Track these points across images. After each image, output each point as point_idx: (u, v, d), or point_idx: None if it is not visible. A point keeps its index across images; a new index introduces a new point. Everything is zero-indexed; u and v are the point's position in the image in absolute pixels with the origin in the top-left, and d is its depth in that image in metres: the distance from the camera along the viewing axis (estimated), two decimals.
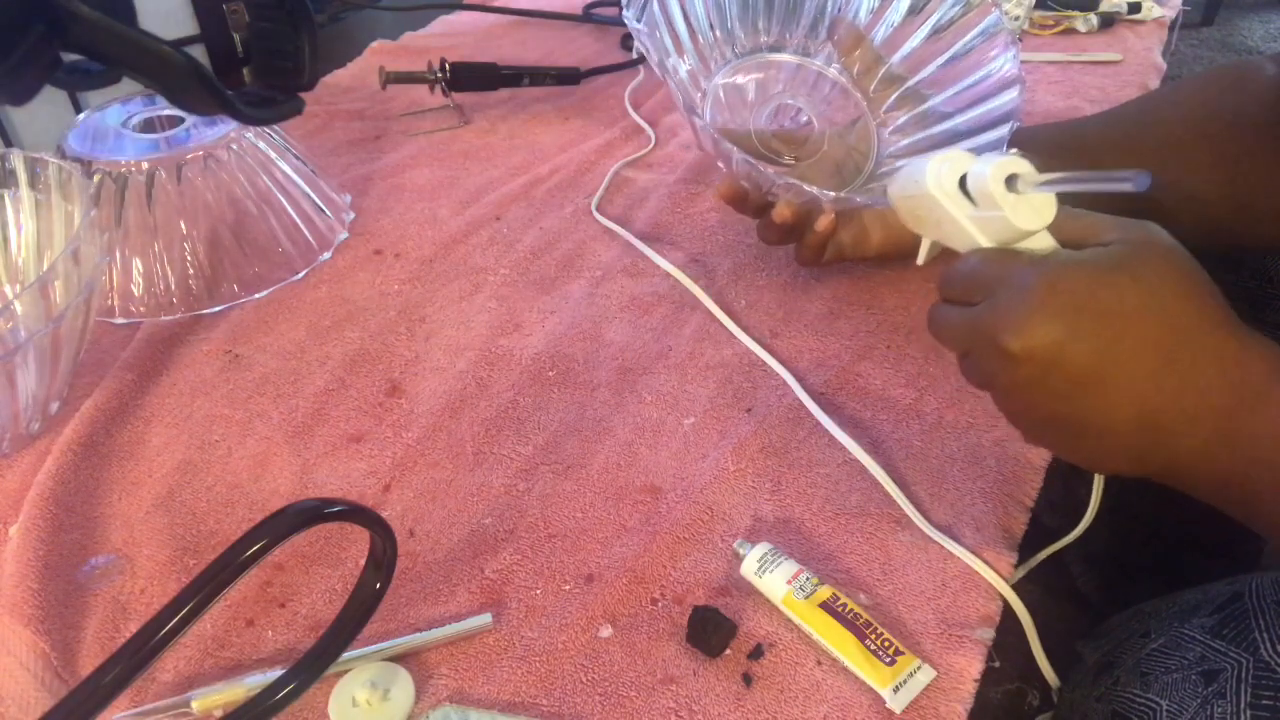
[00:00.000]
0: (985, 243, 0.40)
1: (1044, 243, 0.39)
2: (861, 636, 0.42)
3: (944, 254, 0.45)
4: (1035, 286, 0.36)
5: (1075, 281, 0.36)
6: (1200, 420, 0.37)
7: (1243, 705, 0.40)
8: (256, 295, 0.67)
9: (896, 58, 0.66)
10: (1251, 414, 0.37)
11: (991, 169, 0.39)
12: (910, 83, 0.66)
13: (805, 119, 0.68)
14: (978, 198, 0.40)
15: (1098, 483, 0.47)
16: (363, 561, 0.41)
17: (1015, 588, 0.46)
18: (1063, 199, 0.39)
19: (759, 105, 0.68)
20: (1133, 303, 0.36)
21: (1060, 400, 0.38)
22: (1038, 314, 0.36)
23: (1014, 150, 0.40)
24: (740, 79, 0.68)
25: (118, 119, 0.68)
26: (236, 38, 1.04)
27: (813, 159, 0.67)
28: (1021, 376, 0.38)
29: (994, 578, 0.45)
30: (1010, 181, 0.38)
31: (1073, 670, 0.52)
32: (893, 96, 0.66)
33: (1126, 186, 0.33)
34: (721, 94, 0.67)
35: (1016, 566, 0.47)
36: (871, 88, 0.67)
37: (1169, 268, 0.37)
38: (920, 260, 0.47)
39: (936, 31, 0.65)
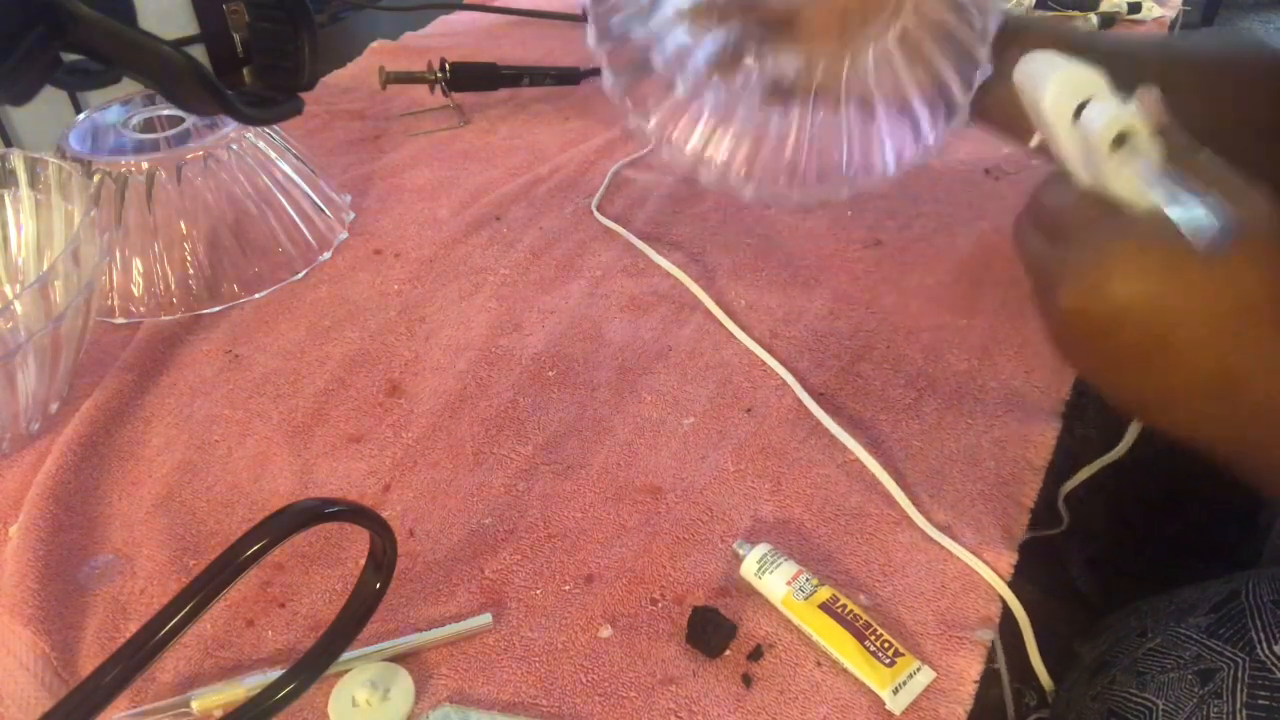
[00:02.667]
0: (1083, 179, 0.38)
1: (1139, 198, 0.36)
2: (861, 638, 0.42)
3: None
4: (1111, 253, 0.35)
5: (1153, 259, 0.34)
6: (1235, 409, 0.36)
7: (1239, 705, 0.40)
8: (256, 295, 0.67)
9: None
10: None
11: (1104, 121, 0.36)
12: None
13: None
14: (1082, 139, 0.37)
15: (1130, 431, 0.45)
16: (363, 561, 0.41)
17: (1014, 588, 0.46)
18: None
19: None
20: (1200, 297, 0.34)
21: (1102, 360, 0.38)
22: (1102, 281, 0.35)
23: (1146, 96, 0.37)
24: None
25: (118, 119, 0.68)
26: (236, 38, 1.04)
27: None
28: (1070, 330, 0.37)
29: (993, 578, 0.45)
30: (1119, 140, 0.36)
31: (1070, 669, 0.52)
32: None
33: (1205, 227, 0.31)
34: None
35: (1015, 567, 0.47)
36: None
37: (1250, 271, 0.35)
38: (1032, 144, 0.44)
39: None
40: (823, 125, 0.54)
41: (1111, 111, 0.36)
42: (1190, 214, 0.33)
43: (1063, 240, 0.37)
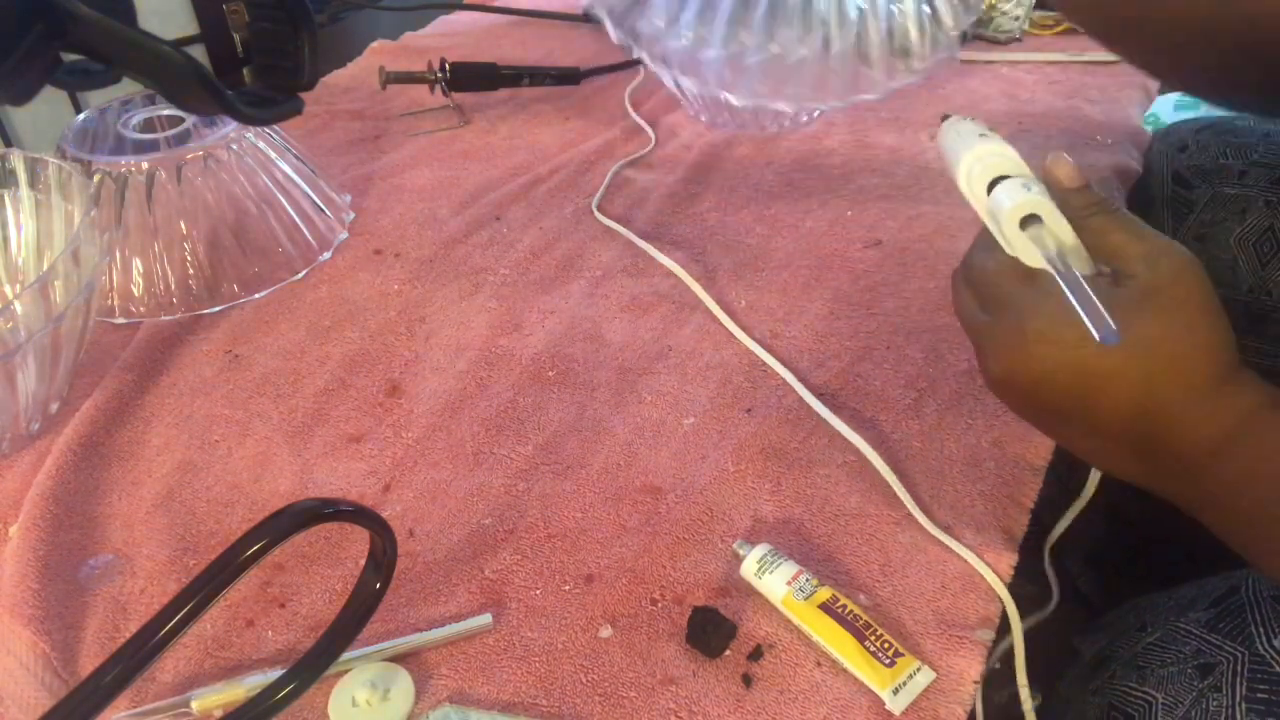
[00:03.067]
0: (1006, 249, 0.40)
1: (1075, 262, 0.39)
2: (861, 638, 0.42)
3: None
4: (1028, 330, 0.38)
5: (1068, 332, 0.37)
6: (1155, 466, 0.39)
7: (1238, 698, 0.40)
8: (256, 295, 0.67)
9: None
10: (1201, 470, 0.38)
11: (1011, 205, 0.38)
12: None
13: None
14: (991, 219, 0.40)
15: (1092, 476, 0.47)
16: (363, 561, 0.41)
17: (1013, 588, 0.46)
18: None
19: None
20: (1115, 366, 0.37)
21: (1032, 415, 0.41)
22: (1022, 356, 0.38)
23: (1059, 164, 0.39)
24: None
25: (118, 119, 0.68)
26: (236, 38, 1.04)
27: None
28: (1004, 395, 0.41)
29: (994, 579, 0.45)
30: (1026, 221, 0.39)
31: (1070, 666, 0.52)
32: None
33: (1095, 336, 0.34)
34: None
35: (1015, 568, 0.47)
36: None
37: (1171, 329, 0.37)
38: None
39: None
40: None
41: (1018, 196, 0.39)
42: (1094, 316, 0.35)
43: (989, 306, 0.41)
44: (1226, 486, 0.37)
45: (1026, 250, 0.39)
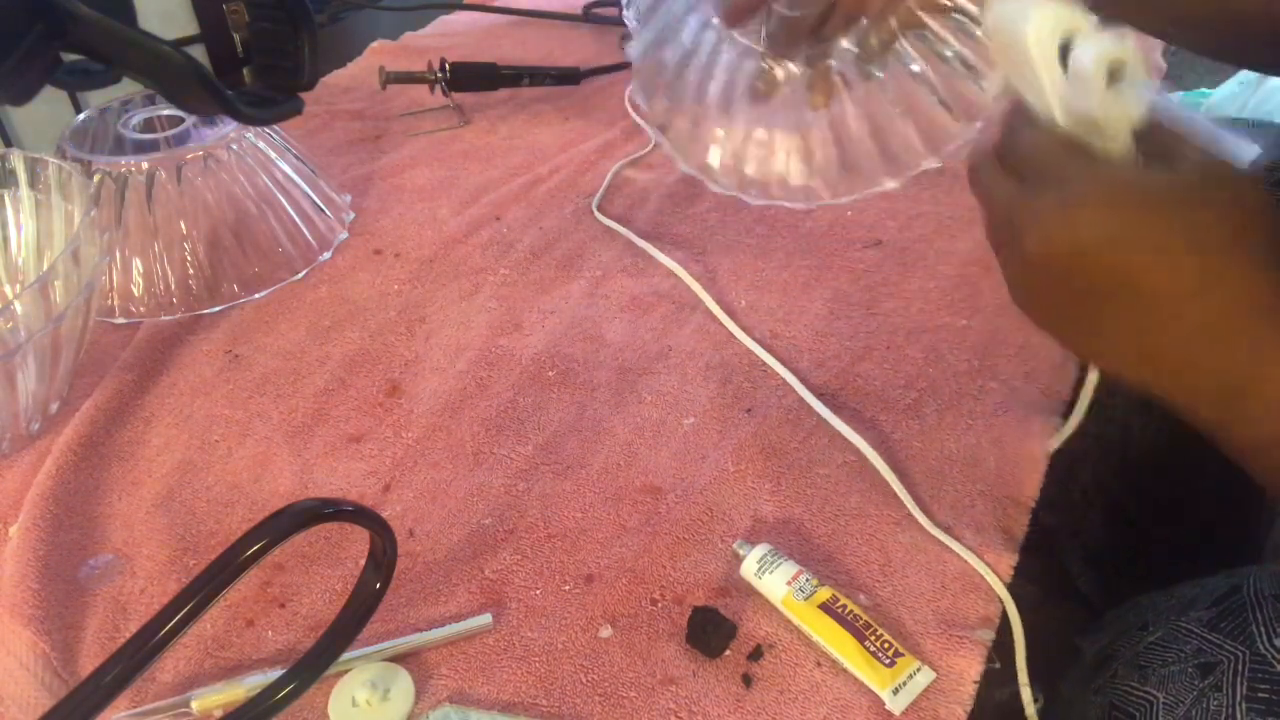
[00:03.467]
0: (1061, 120, 0.37)
1: (1121, 140, 0.36)
2: (861, 638, 0.42)
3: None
4: (1082, 198, 0.35)
5: (1122, 206, 0.34)
6: (1197, 372, 0.36)
7: (1239, 698, 0.40)
8: (256, 295, 0.67)
9: None
10: (1245, 386, 0.35)
11: (1095, 53, 0.36)
12: None
13: None
14: (1072, 73, 0.37)
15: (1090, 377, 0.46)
16: (363, 561, 0.41)
17: (1014, 588, 0.46)
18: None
19: None
20: (1168, 245, 0.34)
21: (1066, 305, 0.37)
22: (1072, 223, 0.35)
23: (1128, 31, 0.37)
24: None
25: (118, 119, 0.68)
26: (236, 38, 1.04)
27: None
28: (1033, 277, 0.37)
29: (994, 579, 0.45)
30: (1113, 72, 0.36)
31: (1071, 665, 0.52)
32: None
33: (1234, 153, 0.32)
34: None
35: (1015, 569, 0.47)
36: None
37: (1233, 217, 0.35)
38: (992, 93, 0.44)
39: None
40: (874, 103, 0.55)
41: (1105, 45, 0.36)
42: (1232, 139, 0.33)
43: (1032, 181, 0.37)
44: (1266, 410, 0.35)
45: (1110, 105, 0.36)
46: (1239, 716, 0.40)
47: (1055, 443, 0.53)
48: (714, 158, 0.62)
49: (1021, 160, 0.38)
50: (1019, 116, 0.39)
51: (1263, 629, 0.42)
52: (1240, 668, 0.41)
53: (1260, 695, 0.40)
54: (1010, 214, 0.37)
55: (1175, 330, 0.36)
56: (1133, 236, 0.34)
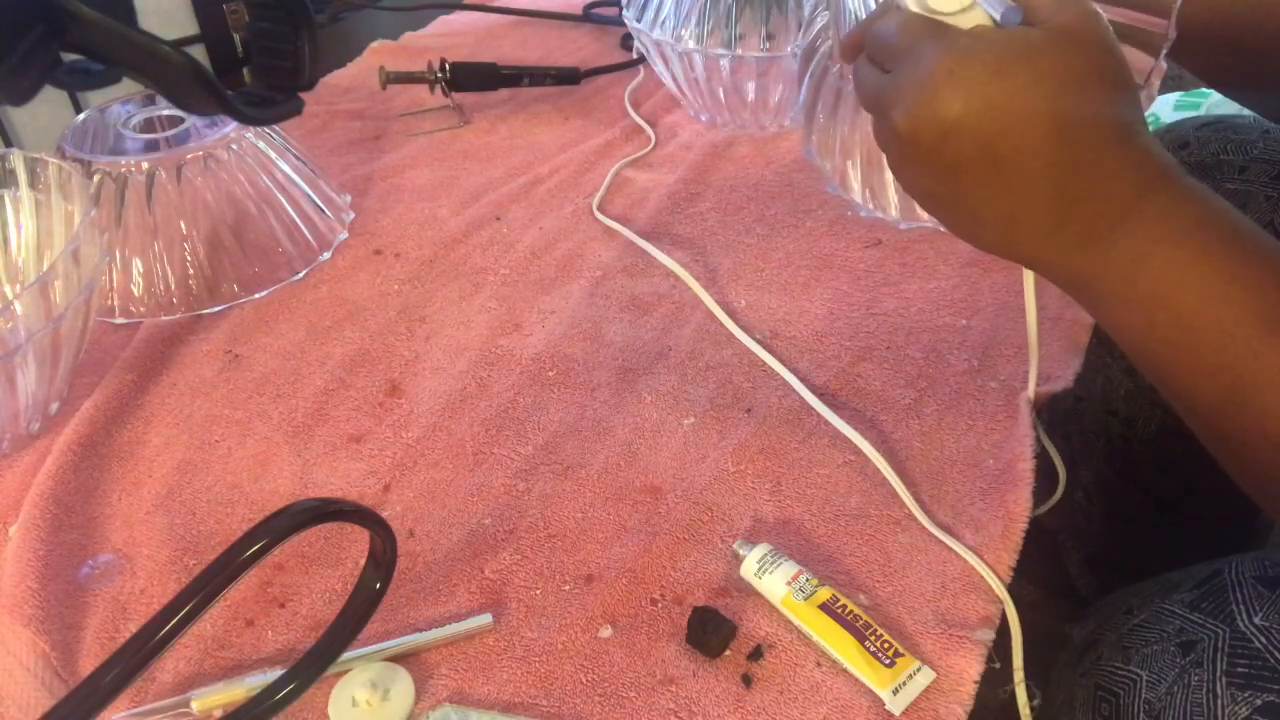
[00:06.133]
0: (911, 4, 0.39)
1: (972, 10, 0.38)
2: (861, 638, 0.42)
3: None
4: (935, 70, 0.36)
5: (975, 69, 0.36)
6: (1064, 228, 0.38)
7: (1219, 673, 0.41)
8: (256, 295, 0.67)
9: None
10: (1111, 230, 0.37)
11: None
12: None
13: None
14: None
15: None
16: (363, 561, 0.41)
17: (1013, 588, 0.46)
18: None
19: None
20: (1026, 102, 0.36)
21: (938, 182, 0.39)
22: (929, 98, 0.36)
23: None
24: None
25: (118, 119, 0.68)
26: (236, 38, 1.04)
27: None
28: (907, 153, 0.39)
29: (993, 579, 0.45)
30: None
31: (1060, 651, 0.52)
32: None
33: (995, 17, 0.35)
34: None
35: (1014, 569, 0.47)
36: None
37: (1078, 65, 0.36)
38: None
39: None
40: None
41: None
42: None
43: (892, 63, 0.39)
44: (1132, 257, 0.37)
45: None
46: (1219, 691, 0.40)
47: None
48: (891, 197, 0.66)
49: (882, 47, 0.40)
50: (883, 7, 0.41)
51: (1242, 607, 0.42)
52: (1220, 644, 0.41)
53: (1239, 670, 0.40)
54: (879, 101, 0.39)
55: (1040, 190, 0.37)
56: (984, 106, 0.36)
